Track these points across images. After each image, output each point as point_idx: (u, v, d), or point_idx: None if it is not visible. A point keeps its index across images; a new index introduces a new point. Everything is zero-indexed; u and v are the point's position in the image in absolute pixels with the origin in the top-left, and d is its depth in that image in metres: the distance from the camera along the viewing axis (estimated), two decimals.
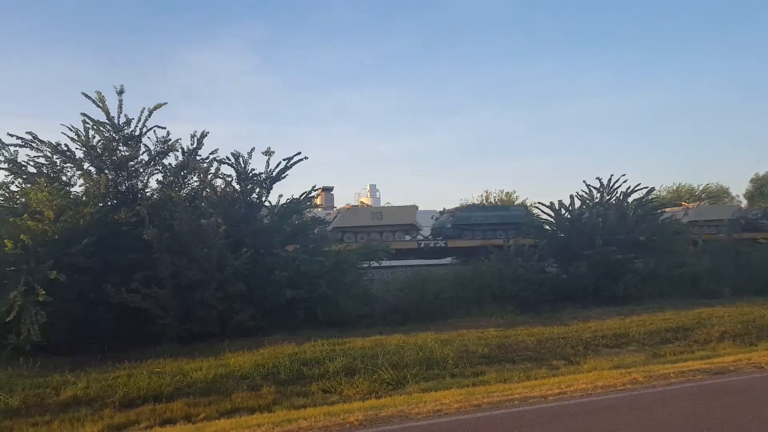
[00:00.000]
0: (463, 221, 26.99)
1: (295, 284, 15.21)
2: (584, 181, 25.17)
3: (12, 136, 14.40)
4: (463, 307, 17.84)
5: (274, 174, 17.19)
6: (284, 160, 17.30)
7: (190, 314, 14.04)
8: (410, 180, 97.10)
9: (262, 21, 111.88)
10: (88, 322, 13.21)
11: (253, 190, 17.05)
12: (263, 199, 17.22)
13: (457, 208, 28.78)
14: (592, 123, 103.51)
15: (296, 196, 17.44)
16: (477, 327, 14.93)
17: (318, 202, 21.44)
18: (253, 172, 16.97)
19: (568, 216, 22.34)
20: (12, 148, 14.45)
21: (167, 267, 13.92)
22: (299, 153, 17.36)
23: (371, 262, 18.48)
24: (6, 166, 14.35)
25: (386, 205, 27.22)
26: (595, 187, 23.04)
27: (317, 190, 19.33)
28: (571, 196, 22.56)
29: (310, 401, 8.84)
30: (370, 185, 43.65)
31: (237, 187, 16.88)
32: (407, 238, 25.37)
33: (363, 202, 32.77)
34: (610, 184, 22.98)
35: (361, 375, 10.04)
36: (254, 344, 12.65)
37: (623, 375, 8.98)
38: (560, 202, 22.59)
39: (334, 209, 28.07)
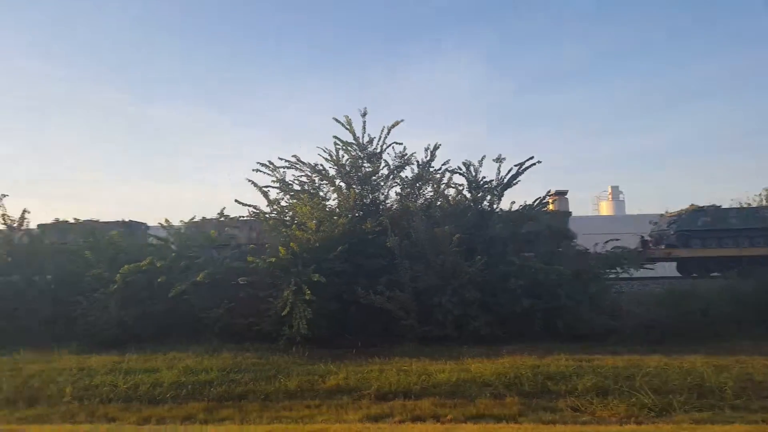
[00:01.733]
0: (688, 226, 23.21)
1: (532, 293, 14.94)
2: None
3: (281, 159, 17.26)
4: (743, 328, 15.18)
5: (505, 180, 17.30)
6: (515, 165, 17.27)
7: (429, 317, 14.84)
8: (654, 180, 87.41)
9: (484, 28, 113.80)
10: (343, 319, 15.04)
11: (484, 198, 17.39)
12: (494, 206, 17.43)
13: (682, 211, 24.65)
14: None
15: (529, 201, 17.26)
16: (763, 353, 12.56)
17: (551, 208, 20.61)
18: (484, 179, 17.36)
19: None
20: (281, 170, 17.28)
21: (406, 272, 15.04)
22: (531, 158, 17.15)
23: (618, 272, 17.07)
24: (277, 185, 17.18)
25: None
26: None
27: (551, 194, 18.74)
28: None
29: (558, 417, 8.54)
30: (611, 187, 40.58)
31: (468, 195, 17.47)
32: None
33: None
34: None
35: (616, 396, 9.32)
36: (492, 352, 12.76)
37: None
38: None
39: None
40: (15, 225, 18.31)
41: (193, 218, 18.30)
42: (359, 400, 9.57)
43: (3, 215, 18.19)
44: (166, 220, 18.12)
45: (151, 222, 23.51)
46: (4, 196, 18.26)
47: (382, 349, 13.38)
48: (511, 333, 14.83)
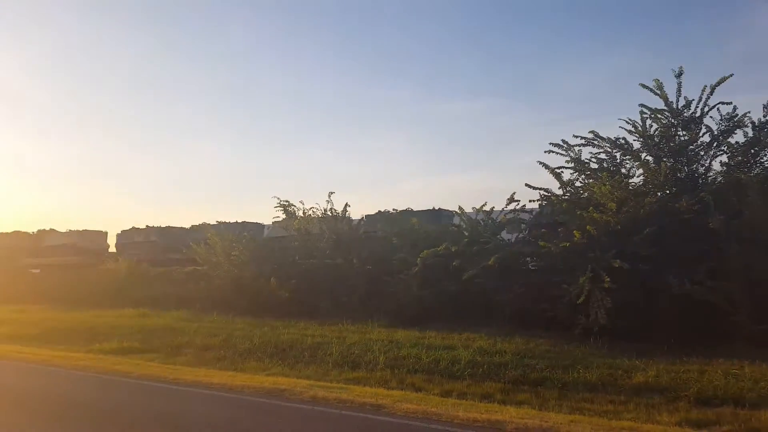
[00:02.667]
0: None
1: None
2: None
3: (577, 137, 16.25)
4: None
5: None
6: None
7: (765, 314, 12.14)
8: None
9: None
10: (649, 311, 13.36)
11: None
12: None
13: None
14: None
15: None
16: None
17: None
18: None
19: None
20: (576, 148, 16.26)
21: (736, 258, 12.55)
22: None
23: None
24: (571, 165, 16.28)
25: None
26: None
27: None
28: None
29: None
30: None
31: None
32: None
33: None
34: None
35: None
36: None
37: None
38: None
39: None
40: (339, 216, 22.01)
41: (483, 205, 18.84)
42: (674, 402, 8.43)
43: (331, 209, 22.12)
44: (460, 208, 19.14)
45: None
46: (332, 193, 22.36)
47: (701, 348, 11.58)
48: None
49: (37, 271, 35.69)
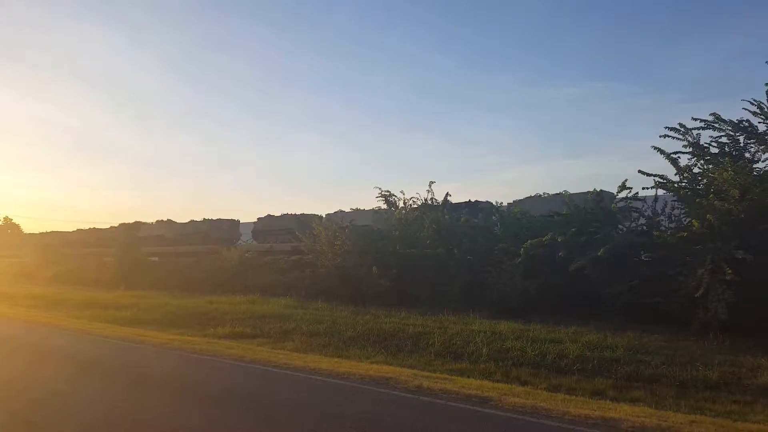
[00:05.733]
0: None
1: None
2: None
3: (696, 120, 15.35)
4: None
5: None
6: None
7: None
8: None
9: None
10: None
11: None
12: None
13: None
14: None
15: None
16: None
17: None
18: None
19: None
20: (695, 132, 15.39)
21: None
22: None
23: None
24: (689, 149, 15.44)
25: None
26: None
27: None
28: None
29: None
30: None
31: None
32: None
33: None
34: None
35: None
36: None
37: None
38: None
39: None
40: (439, 204, 22.43)
41: (592, 191, 18.28)
42: None
43: (431, 198, 22.71)
44: (565, 192, 18.75)
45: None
46: (432, 182, 23.09)
47: None
48: None
49: (155, 259, 38.71)
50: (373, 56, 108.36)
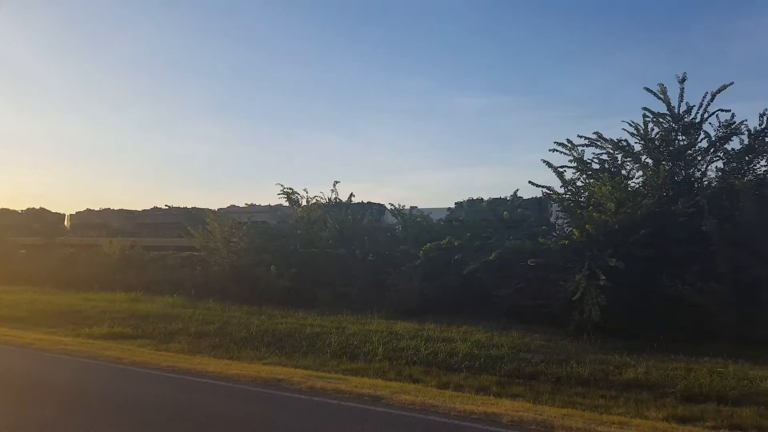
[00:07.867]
0: None
1: None
2: None
3: (581, 137, 16.82)
4: None
5: None
6: None
7: (753, 315, 12.90)
8: None
9: None
10: (641, 310, 14.09)
11: None
12: None
13: None
14: None
15: None
16: None
17: None
18: None
19: None
20: (579, 148, 16.82)
21: (726, 261, 13.33)
22: None
23: None
24: (574, 164, 16.87)
25: None
26: None
27: None
28: None
29: None
30: None
31: None
32: None
33: None
34: None
35: None
36: None
37: None
38: None
39: None
40: (344, 203, 22.92)
41: (487, 199, 19.53)
42: (662, 398, 9.12)
43: (335, 198, 23.18)
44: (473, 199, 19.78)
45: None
46: (337, 182, 23.45)
47: (688, 346, 12.31)
48: None
49: (23, 252, 35.87)
50: (280, 51, 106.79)
